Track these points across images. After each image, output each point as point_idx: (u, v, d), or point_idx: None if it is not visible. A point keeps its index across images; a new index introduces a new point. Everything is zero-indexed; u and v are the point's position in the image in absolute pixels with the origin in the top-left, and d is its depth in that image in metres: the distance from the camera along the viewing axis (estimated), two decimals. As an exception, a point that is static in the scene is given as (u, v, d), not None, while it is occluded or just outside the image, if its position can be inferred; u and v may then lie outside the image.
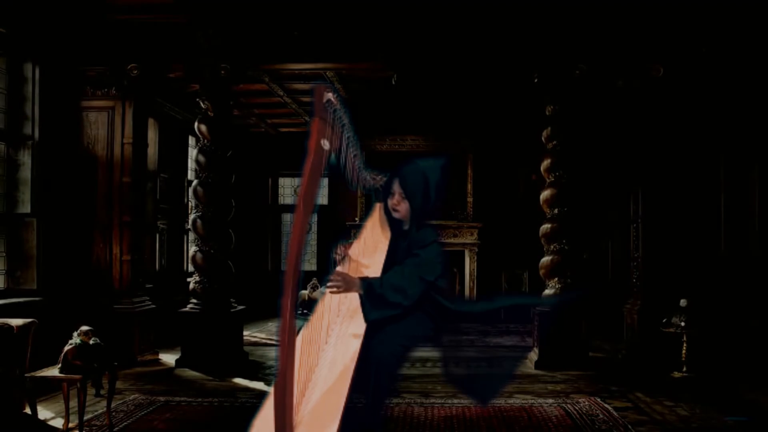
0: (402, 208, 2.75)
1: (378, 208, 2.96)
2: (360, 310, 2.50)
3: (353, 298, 2.59)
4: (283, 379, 1.97)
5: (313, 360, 2.40)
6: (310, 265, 10.02)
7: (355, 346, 2.37)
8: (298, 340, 2.34)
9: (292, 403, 2.06)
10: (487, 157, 9.30)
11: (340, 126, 2.29)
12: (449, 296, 2.80)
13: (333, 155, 2.30)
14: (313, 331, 2.50)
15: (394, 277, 2.56)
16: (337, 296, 2.61)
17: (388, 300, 2.50)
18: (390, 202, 2.77)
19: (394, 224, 2.84)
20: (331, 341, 2.47)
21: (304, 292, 8.79)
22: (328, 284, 2.48)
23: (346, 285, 2.48)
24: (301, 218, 2.05)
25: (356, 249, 2.84)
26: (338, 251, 2.78)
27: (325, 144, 2.13)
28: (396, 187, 2.73)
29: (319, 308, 2.61)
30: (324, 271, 2.91)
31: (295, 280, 2.00)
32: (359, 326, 2.47)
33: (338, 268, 2.71)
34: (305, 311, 2.70)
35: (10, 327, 3.66)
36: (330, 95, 2.18)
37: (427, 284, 2.62)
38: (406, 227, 2.81)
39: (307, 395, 2.25)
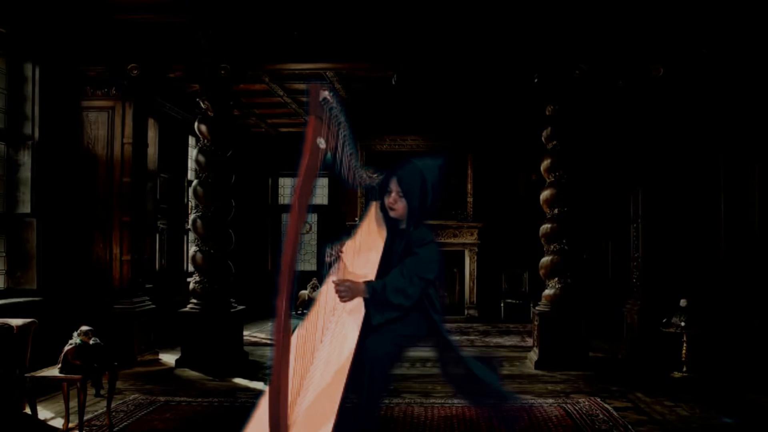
0: (399, 206, 2.75)
1: (374, 206, 2.96)
2: (355, 309, 2.51)
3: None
4: (277, 378, 1.96)
5: (308, 359, 2.39)
6: (310, 265, 10.01)
7: (350, 345, 2.37)
8: (294, 339, 2.33)
9: (287, 403, 2.05)
10: (487, 157, 9.30)
11: (336, 124, 2.28)
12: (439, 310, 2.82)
13: (329, 154, 2.30)
14: (308, 330, 2.50)
15: (396, 279, 2.59)
16: (332, 296, 2.61)
17: (392, 302, 2.54)
18: (387, 201, 2.77)
19: (390, 223, 2.84)
20: (327, 340, 2.46)
21: (304, 292, 8.80)
22: (337, 292, 2.52)
23: (352, 293, 2.53)
24: (296, 217, 2.05)
25: (351, 248, 2.83)
26: (330, 252, 2.77)
27: (321, 142, 2.12)
28: (393, 186, 2.73)
29: (315, 308, 2.61)
30: (325, 271, 2.92)
31: (290, 279, 1.99)
32: (355, 325, 2.47)
33: (333, 270, 2.71)
34: (304, 311, 2.70)
35: (10, 327, 3.66)
36: (326, 93, 2.17)
37: (426, 282, 2.64)
38: (402, 226, 2.81)
39: (302, 395, 2.24)
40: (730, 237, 5.57)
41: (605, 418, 3.87)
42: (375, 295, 2.53)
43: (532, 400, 4.31)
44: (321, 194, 10.15)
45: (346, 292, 2.51)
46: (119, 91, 5.67)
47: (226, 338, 5.51)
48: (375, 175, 2.84)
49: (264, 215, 10.33)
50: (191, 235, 6.69)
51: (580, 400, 4.32)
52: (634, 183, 5.79)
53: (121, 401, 4.18)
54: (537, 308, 5.66)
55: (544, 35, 5.52)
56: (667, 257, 5.54)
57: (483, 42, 5.67)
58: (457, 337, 7.09)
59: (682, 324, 4.90)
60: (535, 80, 5.65)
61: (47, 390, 4.08)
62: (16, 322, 3.73)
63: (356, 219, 9.15)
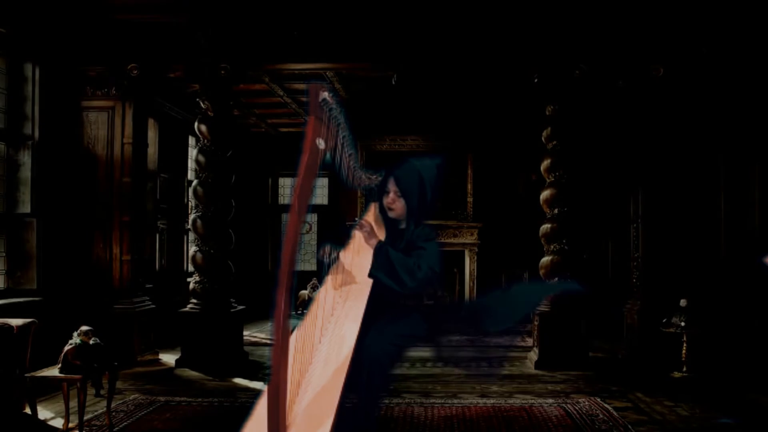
0: (397, 206, 2.75)
1: (373, 207, 2.96)
2: (354, 307, 2.51)
3: (349, 296, 2.59)
4: (276, 378, 1.96)
5: (306, 359, 2.39)
6: (310, 265, 10.02)
7: (349, 344, 2.37)
8: (293, 339, 2.33)
9: (285, 403, 2.05)
10: (487, 157, 9.29)
11: (336, 125, 2.29)
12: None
13: (328, 154, 2.30)
14: (307, 330, 2.50)
15: (408, 259, 2.58)
16: (331, 295, 2.62)
17: (397, 272, 2.53)
18: (385, 201, 2.77)
19: (389, 224, 2.84)
20: (326, 340, 2.46)
21: (304, 292, 8.79)
22: (360, 227, 2.67)
23: (369, 233, 2.64)
24: (296, 217, 2.05)
25: (351, 248, 2.83)
26: (324, 251, 2.77)
27: (321, 143, 2.13)
28: (391, 186, 2.73)
29: (314, 307, 2.61)
30: (324, 271, 2.94)
31: (289, 278, 1.99)
32: (354, 325, 2.47)
33: (332, 270, 2.72)
34: (304, 311, 2.69)
35: (10, 327, 3.66)
36: (325, 94, 2.17)
37: (433, 274, 2.62)
38: (402, 226, 2.81)
39: (301, 395, 2.24)
40: (730, 237, 5.57)
41: (605, 418, 3.87)
42: (381, 252, 2.56)
43: (532, 400, 4.31)
44: (321, 194, 10.15)
45: (368, 229, 2.65)
46: (119, 91, 5.67)
47: (226, 338, 5.51)
48: (374, 176, 2.84)
49: (264, 215, 10.33)
50: (191, 235, 6.69)
51: (580, 400, 4.32)
52: (634, 183, 5.79)
53: (121, 401, 4.18)
54: (537, 308, 5.65)
55: (544, 35, 5.52)
56: (667, 257, 5.54)
57: (483, 42, 5.67)
58: (457, 337, 7.08)
59: (682, 324, 4.90)
60: (535, 80, 5.65)
61: (47, 390, 4.08)
62: (16, 322, 3.73)
63: (356, 219, 9.11)
